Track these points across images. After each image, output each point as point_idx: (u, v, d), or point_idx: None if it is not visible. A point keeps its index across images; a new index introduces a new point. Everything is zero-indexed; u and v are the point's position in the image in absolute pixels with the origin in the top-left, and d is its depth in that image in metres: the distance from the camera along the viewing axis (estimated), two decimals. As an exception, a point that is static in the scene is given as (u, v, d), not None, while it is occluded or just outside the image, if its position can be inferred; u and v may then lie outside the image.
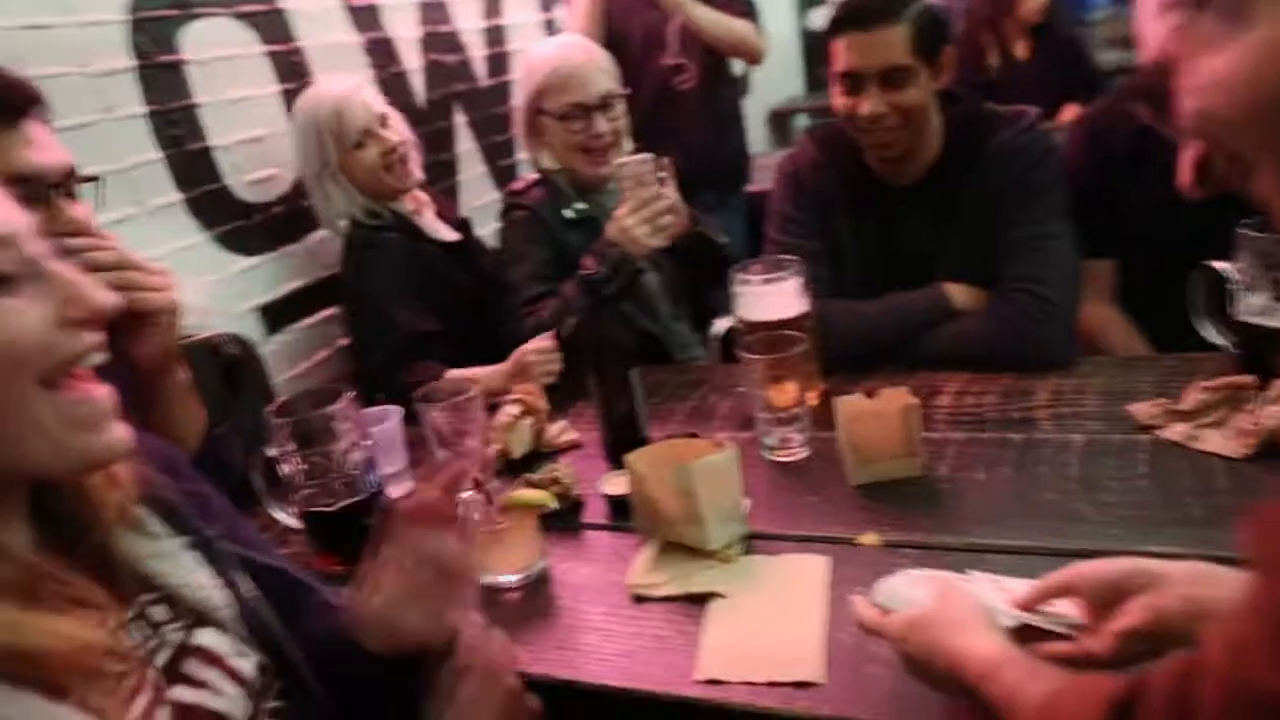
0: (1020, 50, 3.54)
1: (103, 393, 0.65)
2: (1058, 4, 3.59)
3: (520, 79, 1.84)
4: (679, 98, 2.65)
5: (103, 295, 0.64)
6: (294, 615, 0.84)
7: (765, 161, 4.15)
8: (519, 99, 1.84)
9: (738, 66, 2.88)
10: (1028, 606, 0.81)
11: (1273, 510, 0.40)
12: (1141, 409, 1.23)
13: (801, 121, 6.15)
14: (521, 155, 2.88)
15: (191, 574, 0.75)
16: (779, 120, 5.65)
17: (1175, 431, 1.17)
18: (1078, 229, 1.54)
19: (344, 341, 2.01)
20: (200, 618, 0.75)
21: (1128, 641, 0.70)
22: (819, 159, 1.64)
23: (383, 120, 1.80)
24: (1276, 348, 1.20)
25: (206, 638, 0.74)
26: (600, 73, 1.79)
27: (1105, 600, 0.74)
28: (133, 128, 1.63)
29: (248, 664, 0.77)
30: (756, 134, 5.37)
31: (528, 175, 1.90)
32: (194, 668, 0.72)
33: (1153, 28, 0.65)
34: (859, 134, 1.52)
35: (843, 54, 1.46)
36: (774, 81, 5.58)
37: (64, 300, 0.62)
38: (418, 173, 1.86)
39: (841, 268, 1.62)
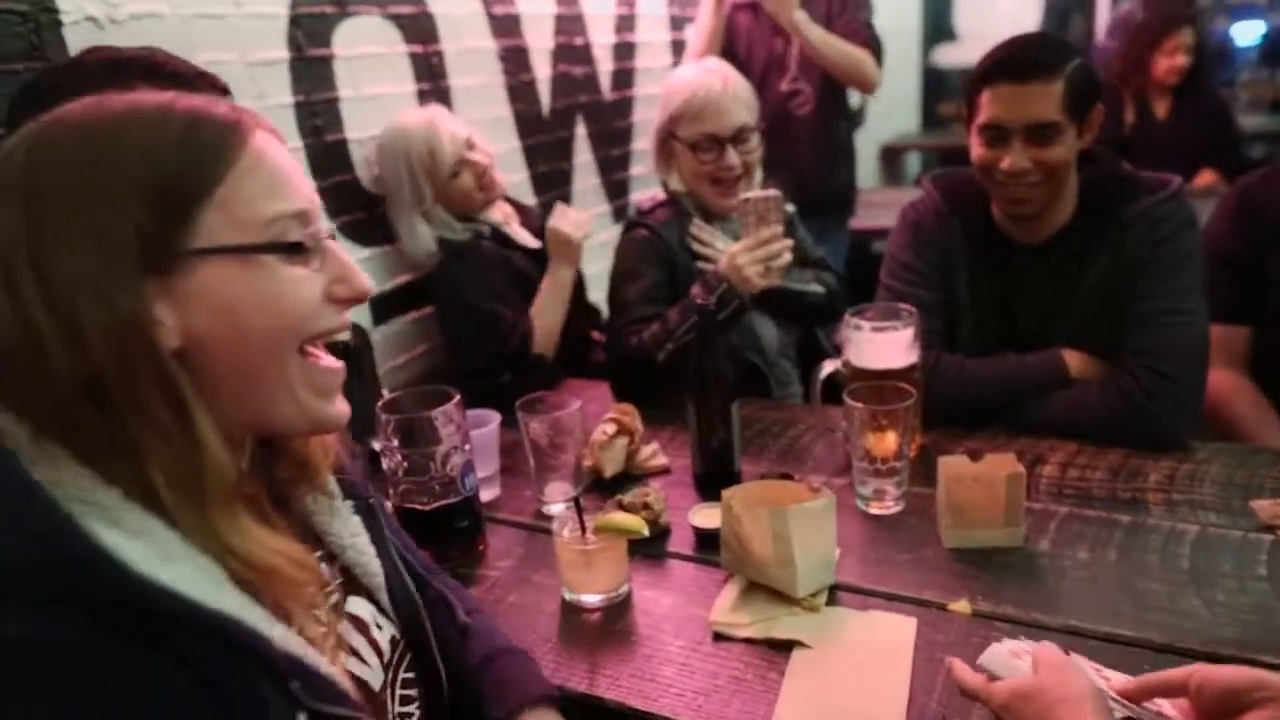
0: (1160, 109, 3.41)
1: (339, 365, 0.72)
2: (1205, 65, 3.43)
3: (660, 100, 1.84)
4: (794, 124, 2.67)
5: (366, 280, 0.71)
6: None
7: (875, 197, 4.13)
8: (656, 119, 1.84)
9: (855, 99, 2.85)
10: (1133, 697, 0.79)
11: None
12: (1264, 506, 1.17)
13: (914, 158, 6.06)
14: (636, 170, 2.93)
15: (357, 536, 0.81)
16: (890, 156, 5.58)
17: (1301, 535, 1.11)
18: (1217, 294, 1.48)
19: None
20: (353, 581, 0.80)
21: None
22: (943, 208, 1.60)
23: (469, 144, 1.85)
24: None
25: (356, 605, 0.79)
26: (738, 104, 1.76)
27: (1221, 708, 0.72)
28: (281, 116, 1.71)
29: (383, 635, 0.80)
30: (867, 168, 5.32)
31: (656, 194, 1.90)
32: (345, 631, 0.76)
33: None
34: (994, 187, 1.48)
35: (990, 105, 1.41)
36: (889, 116, 5.51)
37: (335, 278, 0.69)
38: (504, 182, 1.93)
39: (956, 322, 1.59)
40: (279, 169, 0.67)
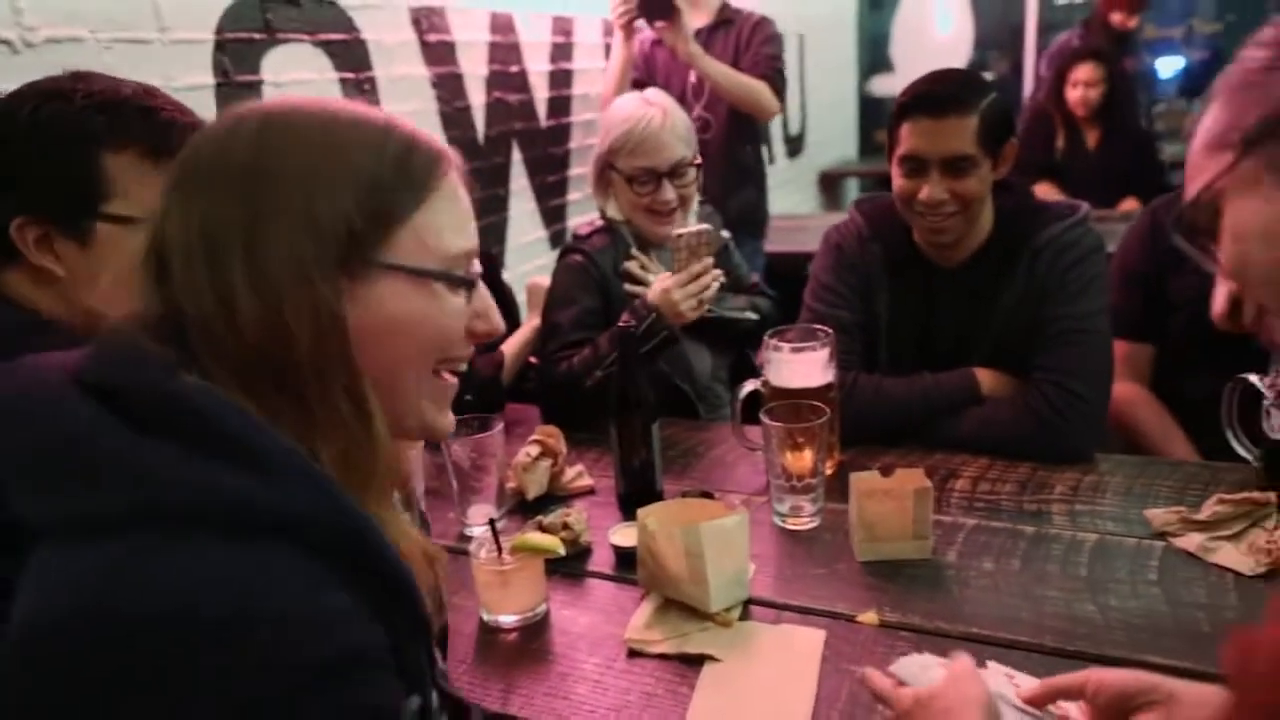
0: (1090, 139, 3.56)
1: (455, 382, 0.76)
2: (1120, 97, 3.59)
3: (600, 129, 1.87)
4: (704, 146, 2.76)
5: (501, 320, 0.76)
6: None
7: (812, 223, 4.21)
8: (596, 148, 1.86)
9: (794, 127, 2.92)
10: (1036, 702, 0.82)
11: (1250, 635, 0.41)
12: (1158, 515, 1.22)
13: (852, 184, 6.20)
14: (573, 196, 2.96)
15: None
16: (829, 182, 5.70)
17: (1190, 541, 1.16)
18: (1124, 311, 1.55)
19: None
20: None
21: None
22: (865, 232, 1.65)
23: None
24: (1301, 468, 1.19)
25: None
26: (675, 138, 1.77)
27: (1115, 711, 0.75)
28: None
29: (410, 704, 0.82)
30: (806, 194, 5.43)
31: (594, 219, 1.92)
32: None
33: (1202, 162, 0.66)
34: (914, 217, 1.53)
35: (909, 138, 1.47)
36: (828, 144, 5.65)
37: (477, 314, 0.74)
38: None
39: (875, 342, 1.64)
40: (465, 207, 0.72)
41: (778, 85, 2.78)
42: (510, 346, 1.87)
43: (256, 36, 1.80)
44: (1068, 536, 1.23)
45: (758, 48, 2.76)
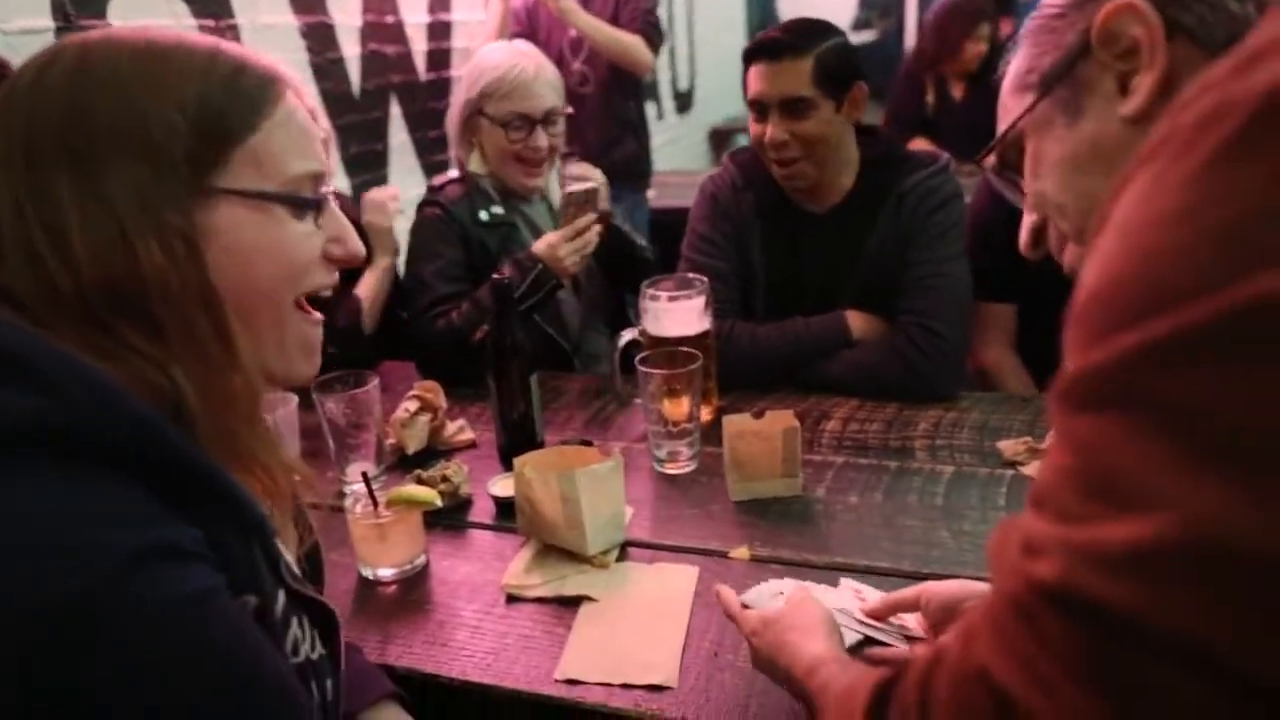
0: (956, 93, 3.69)
1: (321, 318, 0.74)
2: (996, 54, 3.74)
3: (465, 77, 1.84)
4: (584, 100, 2.84)
5: (360, 243, 0.74)
6: None
7: (699, 179, 4.25)
8: (459, 96, 1.84)
9: (683, 83, 2.91)
10: (877, 615, 0.88)
11: (1009, 521, 0.46)
12: (1007, 445, 1.31)
13: (742, 140, 6.26)
14: (455, 152, 2.89)
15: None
16: (719, 138, 5.75)
17: (1035, 468, 1.25)
18: (983, 273, 1.62)
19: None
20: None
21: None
22: (739, 181, 1.69)
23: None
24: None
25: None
26: (548, 87, 1.80)
27: (943, 617, 0.82)
28: (46, 91, 1.59)
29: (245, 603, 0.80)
30: (697, 151, 5.46)
31: (449, 172, 1.91)
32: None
33: (1009, 102, 0.72)
34: (768, 162, 1.60)
35: (752, 82, 1.55)
36: (717, 101, 5.68)
37: (333, 238, 0.72)
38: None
39: (751, 289, 1.68)
40: (306, 129, 0.70)
41: (653, 39, 2.80)
42: (364, 290, 1.82)
43: (100, -23, 1.69)
44: (927, 470, 1.30)
45: (635, 2, 2.77)
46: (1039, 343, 1.79)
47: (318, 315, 0.74)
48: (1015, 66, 0.71)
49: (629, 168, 2.95)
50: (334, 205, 0.73)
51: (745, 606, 0.90)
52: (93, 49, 0.63)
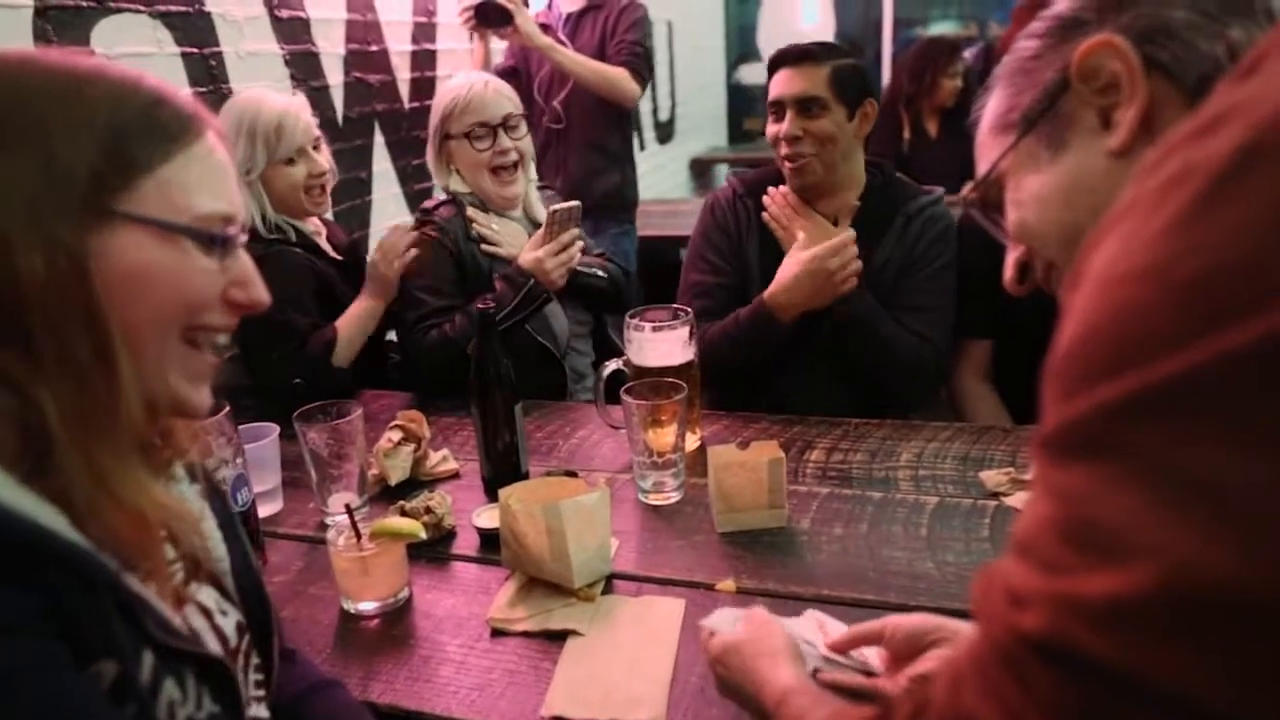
0: (931, 129, 3.76)
1: (216, 360, 0.74)
2: (970, 90, 3.83)
3: (432, 112, 1.93)
4: (566, 133, 2.90)
5: (264, 293, 0.73)
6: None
7: (684, 207, 4.28)
8: (430, 129, 1.94)
9: (664, 114, 2.94)
10: (839, 649, 0.87)
11: (991, 568, 0.46)
12: (990, 476, 1.32)
13: (722, 170, 6.32)
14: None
15: (204, 521, 0.79)
16: (700, 167, 5.80)
17: (1018, 499, 1.26)
18: (960, 309, 1.73)
19: (231, 353, 1.98)
20: (197, 567, 0.77)
21: (917, 686, 0.77)
22: (739, 189, 1.85)
23: (316, 144, 1.83)
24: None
25: (201, 593, 0.76)
26: (501, 97, 1.89)
27: (907, 650, 0.82)
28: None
29: (228, 622, 0.78)
30: (678, 180, 5.50)
31: (439, 195, 1.98)
32: (190, 614, 0.74)
33: (989, 142, 0.74)
34: (780, 160, 1.73)
35: (773, 86, 1.72)
36: (699, 131, 5.74)
37: (235, 281, 0.71)
38: (328, 202, 1.90)
39: (746, 291, 1.75)
40: (222, 170, 0.70)
41: (640, 71, 2.82)
42: (344, 325, 1.80)
43: (84, 3, 1.68)
44: (911, 500, 1.30)
45: (622, 34, 2.80)
46: (1014, 377, 1.83)
47: (209, 354, 0.73)
48: (993, 108, 0.73)
49: (611, 199, 2.97)
50: (241, 250, 0.72)
51: (711, 634, 0.90)
52: (8, 67, 0.63)
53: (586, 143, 2.91)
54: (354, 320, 1.81)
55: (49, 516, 0.59)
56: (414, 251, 1.82)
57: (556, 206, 1.76)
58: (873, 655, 0.85)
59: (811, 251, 1.59)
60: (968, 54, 4.69)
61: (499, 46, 2.92)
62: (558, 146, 2.94)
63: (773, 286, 1.62)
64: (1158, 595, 0.36)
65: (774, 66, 1.73)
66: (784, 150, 1.70)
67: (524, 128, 1.93)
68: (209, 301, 0.70)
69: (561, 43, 2.79)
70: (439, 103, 1.91)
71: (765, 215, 1.75)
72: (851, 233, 1.61)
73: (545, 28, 2.80)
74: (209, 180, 0.69)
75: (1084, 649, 0.37)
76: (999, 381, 1.85)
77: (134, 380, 0.64)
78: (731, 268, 1.79)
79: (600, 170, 2.94)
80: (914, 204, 1.73)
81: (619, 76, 2.77)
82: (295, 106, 1.80)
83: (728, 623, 0.87)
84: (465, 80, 1.91)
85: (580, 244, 1.83)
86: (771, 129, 1.73)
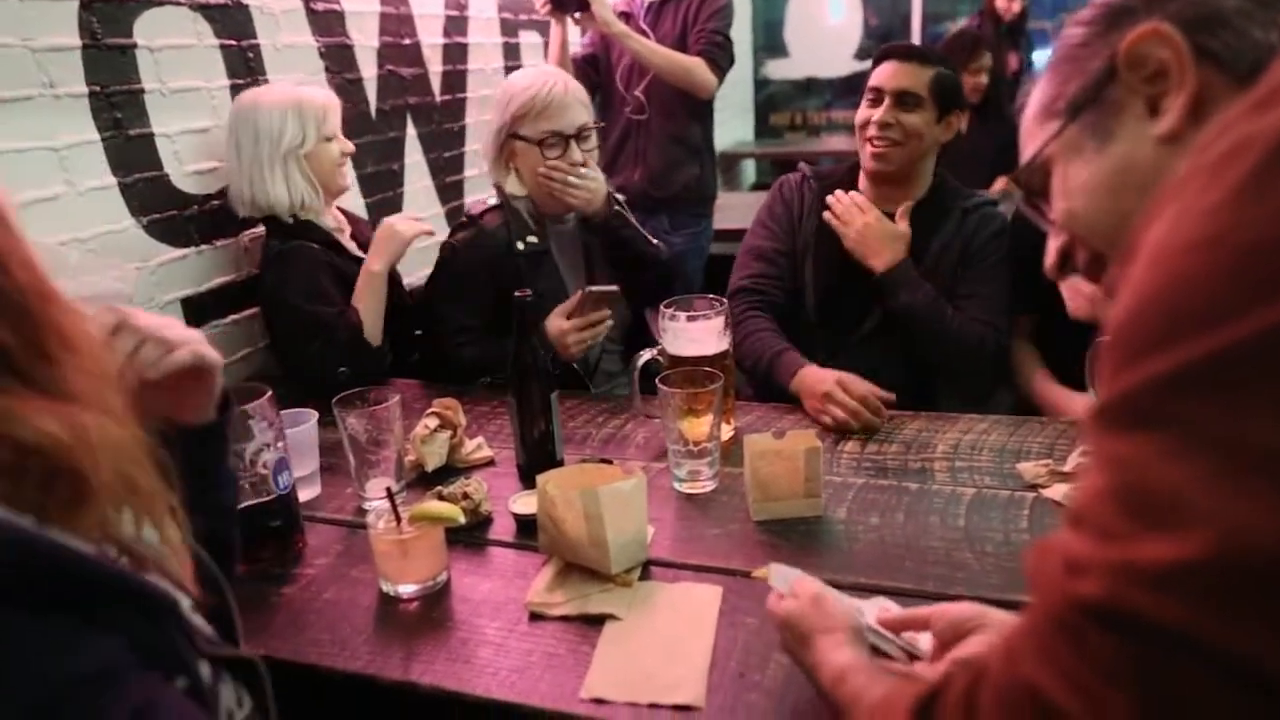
0: (962, 124, 3.72)
1: None
2: (1000, 85, 3.79)
3: (496, 103, 1.87)
4: (646, 124, 2.85)
5: None
6: None
7: (714, 201, 4.26)
8: (491, 122, 1.88)
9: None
10: (890, 626, 0.89)
11: (1046, 541, 0.46)
12: (1028, 468, 1.31)
13: (749, 165, 6.31)
14: (469, 173, 2.92)
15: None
16: (727, 162, 5.80)
17: (1056, 491, 1.25)
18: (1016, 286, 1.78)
19: (264, 342, 2.02)
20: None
21: (959, 668, 0.78)
22: (807, 174, 1.95)
23: (341, 128, 1.90)
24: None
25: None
26: (578, 104, 1.83)
27: (950, 636, 0.83)
28: (73, 106, 1.61)
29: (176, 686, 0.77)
30: (706, 174, 5.48)
31: (483, 198, 1.95)
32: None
33: (1034, 129, 0.74)
34: (864, 144, 1.81)
35: (877, 75, 1.81)
36: (726, 125, 5.72)
37: None
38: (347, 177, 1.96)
39: (800, 264, 1.86)
40: None
41: (718, 61, 2.77)
42: (357, 299, 1.81)
43: (127, -3, 1.71)
44: (948, 491, 1.30)
45: (703, 23, 2.74)
46: (1055, 351, 1.86)
47: None
48: (1039, 95, 0.73)
49: (690, 192, 2.94)
50: None
51: (781, 596, 0.91)
52: None
53: (667, 134, 2.86)
54: (363, 293, 1.82)
55: (99, 551, 0.58)
56: (426, 227, 1.87)
57: (593, 289, 1.71)
58: (924, 640, 0.86)
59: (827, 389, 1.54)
60: (966, 19, 4.62)
61: (575, 38, 2.91)
62: (637, 138, 2.89)
63: (799, 376, 1.60)
64: (1215, 560, 0.37)
65: (882, 58, 1.82)
66: (871, 133, 1.78)
67: (594, 138, 1.88)
68: None
69: (643, 32, 2.76)
70: (510, 96, 1.83)
71: (827, 214, 1.82)
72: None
73: (626, 16, 2.78)
74: None
75: (1142, 612, 0.38)
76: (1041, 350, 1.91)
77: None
78: (787, 237, 1.89)
79: (680, 162, 2.89)
80: (970, 200, 1.85)
81: (694, 65, 2.71)
82: (330, 93, 1.90)
83: (781, 580, 0.91)
84: (542, 78, 1.82)
85: (608, 325, 1.77)
86: (864, 113, 1.80)
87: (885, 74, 1.79)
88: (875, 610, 0.93)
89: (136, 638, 0.56)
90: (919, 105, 1.77)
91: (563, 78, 1.84)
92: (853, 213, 1.80)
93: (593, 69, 2.92)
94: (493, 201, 1.91)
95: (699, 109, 2.92)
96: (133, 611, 0.58)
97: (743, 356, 1.72)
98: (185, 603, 0.66)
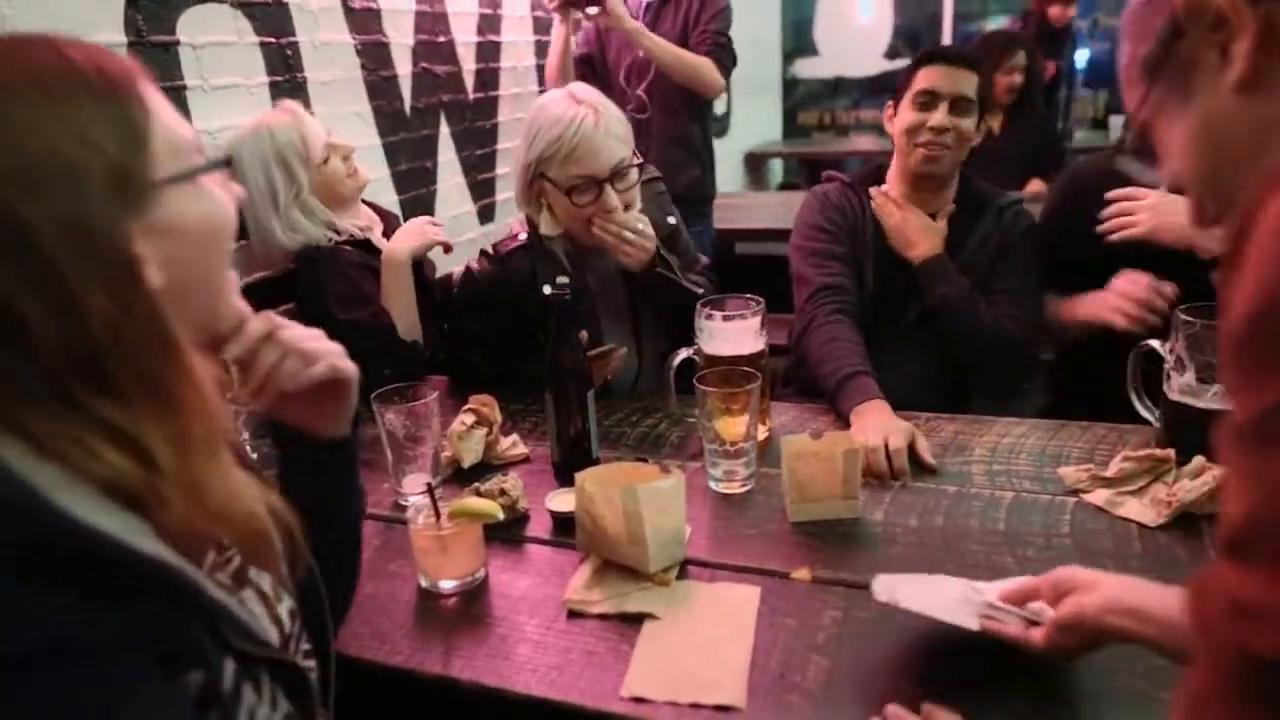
0: (995, 125, 3.68)
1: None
2: (1035, 85, 3.74)
3: (524, 133, 1.65)
4: (647, 124, 2.82)
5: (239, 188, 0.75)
6: None
7: (739, 201, 4.26)
8: (521, 153, 1.66)
9: (719, 107, 2.93)
10: (1012, 599, 0.92)
11: (1204, 577, 0.43)
12: (1069, 473, 1.29)
13: (776, 164, 6.28)
14: (501, 170, 2.93)
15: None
16: (754, 162, 5.77)
17: (1098, 496, 1.23)
18: (1058, 265, 1.80)
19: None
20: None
21: (1056, 632, 0.85)
22: (846, 185, 1.91)
23: (328, 131, 1.84)
24: (1198, 426, 1.27)
25: (258, 577, 0.77)
26: (612, 139, 1.59)
27: (1053, 600, 0.88)
28: (117, 104, 1.63)
29: (283, 608, 0.79)
30: (733, 174, 5.48)
31: (515, 226, 1.79)
32: (249, 599, 0.74)
33: (1127, 94, 0.72)
34: (914, 148, 1.78)
35: (926, 78, 1.77)
36: (753, 125, 5.71)
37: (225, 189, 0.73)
38: (365, 173, 1.91)
39: (862, 271, 1.82)
40: (166, 102, 0.68)
41: (724, 61, 2.76)
42: (385, 297, 1.78)
43: (171, -6, 1.73)
44: (986, 495, 1.29)
45: (705, 23, 2.74)
46: (1083, 353, 1.85)
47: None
48: (1121, 61, 0.71)
49: (691, 193, 2.92)
50: None
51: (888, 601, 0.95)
52: None
53: (668, 135, 2.84)
54: (390, 288, 1.78)
55: (133, 531, 0.60)
56: (439, 235, 1.84)
57: (591, 353, 1.57)
58: (1044, 609, 0.90)
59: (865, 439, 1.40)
60: (1007, 21, 4.58)
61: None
62: (638, 138, 2.86)
63: (857, 424, 1.47)
64: None
65: (927, 60, 1.80)
66: (926, 138, 1.76)
67: (634, 174, 1.65)
68: (235, 219, 0.73)
69: None
70: (535, 134, 1.60)
71: (874, 204, 1.84)
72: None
73: None
74: (174, 115, 0.68)
75: None
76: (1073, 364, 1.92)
77: (213, 391, 0.65)
78: (849, 241, 1.83)
79: (682, 163, 2.87)
80: (1005, 199, 1.86)
81: (703, 65, 2.71)
82: (299, 113, 1.79)
83: (884, 590, 0.95)
84: (570, 114, 1.57)
85: (604, 376, 1.65)
86: (915, 117, 1.77)
87: (937, 77, 1.77)
88: (995, 590, 0.95)
89: (145, 621, 0.58)
90: (971, 109, 1.77)
91: (594, 107, 1.60)
92: (889, 208, 1.81)
93: (589, 69, 2.88)
94: (523, 237, 1.73)
95: (699, 110, 2.93)
96: (149, 593, 0.59)
97: (818, 360, 1.63)
98: (214, 586, 0.67)
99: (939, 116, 1.75)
